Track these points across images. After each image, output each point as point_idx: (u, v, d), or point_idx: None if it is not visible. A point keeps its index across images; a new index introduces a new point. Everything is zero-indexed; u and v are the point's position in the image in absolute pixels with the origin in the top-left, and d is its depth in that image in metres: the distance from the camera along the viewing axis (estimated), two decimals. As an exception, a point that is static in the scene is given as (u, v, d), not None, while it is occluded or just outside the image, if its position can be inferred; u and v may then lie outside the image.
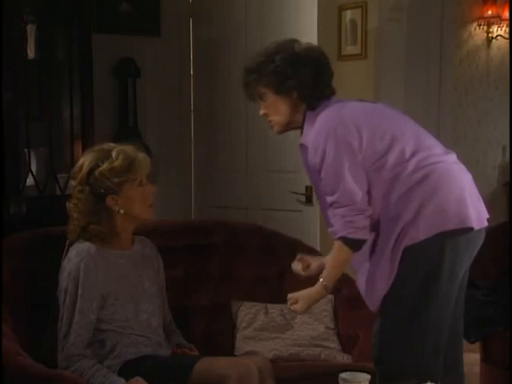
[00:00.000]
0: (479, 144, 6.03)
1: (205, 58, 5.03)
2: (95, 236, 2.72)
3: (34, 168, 4.19)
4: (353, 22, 5.06)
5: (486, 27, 5.94)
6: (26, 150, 4.12)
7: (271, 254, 3.54)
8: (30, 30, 4.15)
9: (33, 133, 4.10)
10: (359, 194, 2.63)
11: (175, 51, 5.03)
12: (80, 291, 2.61)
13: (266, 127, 4.66)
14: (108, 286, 2.69)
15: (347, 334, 3.29)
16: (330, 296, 3.39)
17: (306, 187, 4.49)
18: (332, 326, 3.33)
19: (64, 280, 2.65)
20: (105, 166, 2.67)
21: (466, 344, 3.90)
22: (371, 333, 3.06)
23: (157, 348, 2.79)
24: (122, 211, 2.72)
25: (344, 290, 3.38)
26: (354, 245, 2.69)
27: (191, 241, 3.36)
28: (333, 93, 2.85)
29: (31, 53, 4.17)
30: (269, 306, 3.41)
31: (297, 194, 4.54)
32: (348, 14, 5.08)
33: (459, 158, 2.82)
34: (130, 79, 4.83)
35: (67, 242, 2.85)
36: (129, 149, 2.73)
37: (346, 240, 2.68)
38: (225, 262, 3.48)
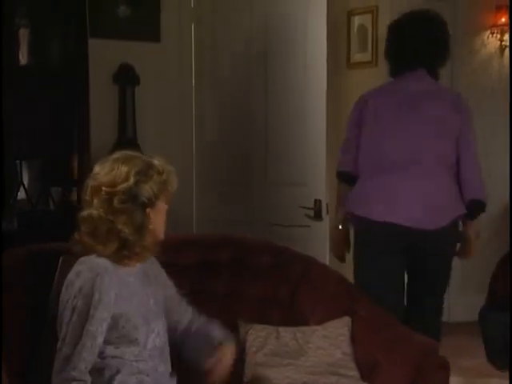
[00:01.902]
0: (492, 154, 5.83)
1: (207, 65, 4.85)
2: (136, 255, 2.54)
3: (25, 181, 4.07)
4: (362, 27, 4.89)
5: (499, 35, 5.78)
6: (17, 161, 4.00)
7: (282, 272, 3.31)
8: (23, 34, 4.03)
9: (24, 143, 3.98)
10: (350, 140, 3.72)
11: (176, 58, 4.88)
12: (92, 311, 2.38)
13: (272, 138, 4.58)
14: (120, 306, 2.47)
15: (366, 360, 3.03)
16: (347, 319, 3.15)
17: (315, 201, 4.27)
18: (349, 352, 3.07)
19: (72, 296, 2.41)
20: (154, 176, 2.49)
21: (492, 369, 3.73)
22: (392, 358, 2.92)
23: (159, 378, 2.55)
24: (151, 226, 2.54)
25: (361, 311, 3.15)
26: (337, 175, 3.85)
27: (196, 257, 3.13)
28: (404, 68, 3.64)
29: (23, 58, 4.05)
30: (280, 329, 3.16)
31: (305, 208, 4.31)
32: (357, 20, 4.90)
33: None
34: (128, 87, 4.70)
35: (61, 258, 2.68)
36: (162, 160, 2.56)
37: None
38: (232, 280, 3.25)
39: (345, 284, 3.31)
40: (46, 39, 4.17)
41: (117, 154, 2.53)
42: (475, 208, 3.58)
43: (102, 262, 2.45)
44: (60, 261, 2.70)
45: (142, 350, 2.50)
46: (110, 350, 2.45)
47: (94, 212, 2.45)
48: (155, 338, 2.57)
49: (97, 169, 2.50)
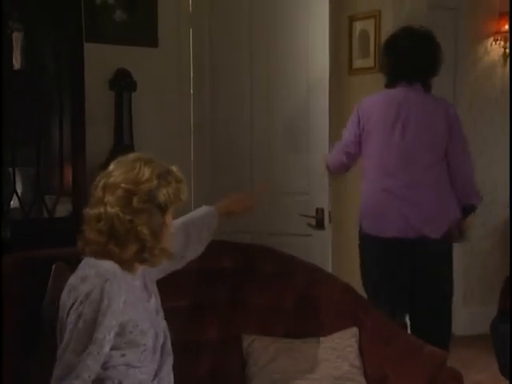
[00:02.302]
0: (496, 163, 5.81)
1: (206, 70, 4.75)
2: (155, 257, 2.43)
3: (19, 189, 3.93)
4: (364, 33, 4.79)
5: (502, 42, 5.68)
6: (10, 168, 3.86)
7: (287, 281, 3.20)
8: (16, 38, 3.90)
9: (18, 150, 3.86)
10: (348, 138, 3.93)
11: (174, 63, 4.77)
12: (100, 318, 2.27)
13: (273, 145, 4.47)
14: (128, 311, 2.37)
15: (375, 373, 2.91)
16: (355, 330, 3.04)
17: (317, 209, 4.18)
18: (358, 364, 2.95)
19: (77, 302, 2.29)
20: (173, 183, 2.43)
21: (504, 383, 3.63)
22: (402, 370, 2.81)
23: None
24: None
25: (369, 322, 3.03)
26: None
27: (196, 265, 2.98)
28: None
29: (17, 63, 3.92)
30: (284, 340, 3.06)
31: (307, 216, 4.21)
32: (359, 25, 4.80)
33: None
34: (125, 93, 4.57)
35: (54, 265, 2.61)
36: (177, 168, 2.50)
37: None
38: (234, 289, 3.14)
39: (351, 293, 3.19)
40: (41, 43, 4.06)
41: (134, 155, 2.47)
42: (467, 210, 3.88)
43: (111, 267, 2.34)
44: (53, 267, 2.62)
45: (147, 354, 2.43)
46: (115, 359, 2.35)
47: (111, 210, 2.35)
48: (159, 334, 2.51)
49: (112, 167, 2.43)
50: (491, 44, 5.72)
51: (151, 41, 4.68)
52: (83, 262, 2.39)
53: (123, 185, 2.35)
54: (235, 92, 4.59)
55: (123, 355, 2.36)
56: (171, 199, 2.41)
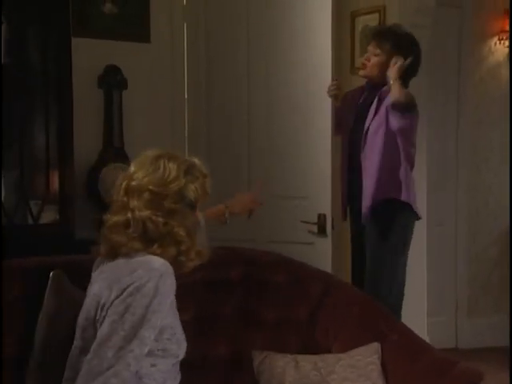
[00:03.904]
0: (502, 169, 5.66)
1: (201, 67, 4.57)
2: (192, 261, 2.31)
3: (1, 193, 3.84)
4: (367, 28, 4.61)
5: (507, 42, 5.53)
6: None
7: (300, 292, 3.01)
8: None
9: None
10: None
11: (167, 60, 4.67)
12: (149, 315, 2.13)
13: (272, 148, 4.25)
14: (170, 315, 2.23)
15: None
16: (377, 345, 2.81)
17: (319, 215, 3.98)
18: None
19: (126, 293, 2.13)
20: (200, 178, 2.32)
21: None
22: None
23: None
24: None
25: (393, 335, 2.81)
26: None
27: (202, 276, 2.82)
28: None
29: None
30: (299, 357, 2.82)
31: (308, 223, 4.01)
32: (362, 21, 4.64)
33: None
34: (115, 91, 4.47)
35: (51, 273, 2.51)
36: (200, 161, 2.40)
37: None
38: (243, 300, 2.94)
39: (371, 304, 3.00)
40: (26, 37, 4.00)
41: (154, 151, 2.34)
42: None
43: (164, 263, 2.20)
44: (51, 276, 2.50)
45: (175, 368, 2.29)
46: (144, 369, 2.17)
47: (140, 214, 2.22)
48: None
49: (133, 168, 2.31)
50: (495, 43, 5.57)
51: (143, 35, 4.57)
52: (119, 261, 2.23)
53: (151, 187, 2.24)
54: (232, 90, 4.42)
55: (154, 365, 2.20)
56: (199, 195, 2.31)
